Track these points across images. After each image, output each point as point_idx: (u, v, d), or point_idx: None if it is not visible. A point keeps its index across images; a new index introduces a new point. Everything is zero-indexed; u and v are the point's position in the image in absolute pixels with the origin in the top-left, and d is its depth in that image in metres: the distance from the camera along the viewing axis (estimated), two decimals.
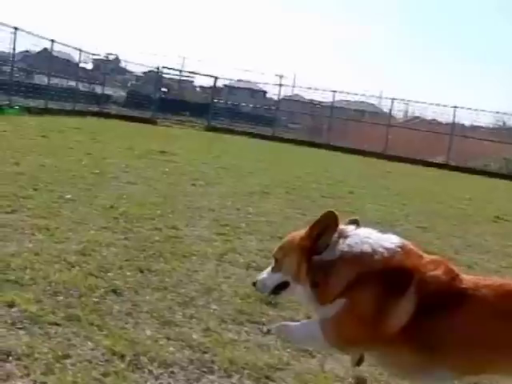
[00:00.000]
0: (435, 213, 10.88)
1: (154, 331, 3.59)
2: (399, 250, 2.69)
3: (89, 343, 3.30)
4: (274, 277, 2.87)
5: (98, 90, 33.47)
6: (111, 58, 41.74)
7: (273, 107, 37.40)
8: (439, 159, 28.75)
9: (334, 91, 32.63)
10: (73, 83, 31.07)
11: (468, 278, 2.68)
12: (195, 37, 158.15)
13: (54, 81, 28.26)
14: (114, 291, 4.09)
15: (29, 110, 21.82)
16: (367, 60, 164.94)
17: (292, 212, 8.60)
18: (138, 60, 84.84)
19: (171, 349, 3.40)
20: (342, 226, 2.81)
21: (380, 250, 2.67)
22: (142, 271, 4.66)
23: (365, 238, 2.73)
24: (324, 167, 18.02)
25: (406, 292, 2.57)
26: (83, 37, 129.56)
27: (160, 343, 3.44)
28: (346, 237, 2.75)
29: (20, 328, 3.35)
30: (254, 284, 2.98)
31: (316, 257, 2.74)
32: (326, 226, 2.76)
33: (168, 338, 3.52)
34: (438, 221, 9.85)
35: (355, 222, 2.90)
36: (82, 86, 31.12)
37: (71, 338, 3.33)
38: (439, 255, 6.75)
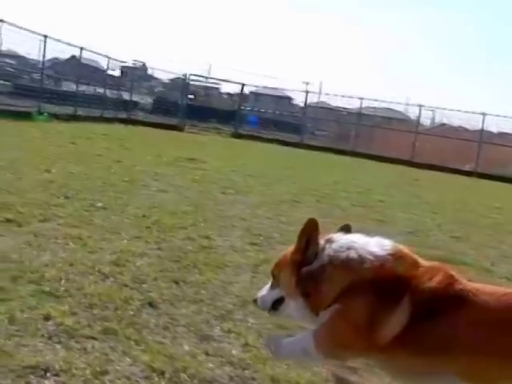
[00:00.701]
0: (467, 222, 10.68)
1: (193, 346, 3.50)
2: (390, 256, 2.62)
3: (127, 358, 3.22)
4: (272, 293, 2.87)
5: (126, 96, 33.58)
6: (138, 65, 41.99)
7: (298, 114, 37.34)
8: (467, 167, 28.42)
9: (362, 98, 32.46)
10: (100, 90, 31.24)
11: (471, 285, 2.58)
12: (221, 44, 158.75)
13: (82, 87, 28.41)
14: (150, 304, 4.02)
15: (57, 117, 21.96)
16: (394, 66, 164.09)
17: (323, 222, 8.37)
18: (164, 67, 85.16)
19: (210, 365, 3.31)
20: (331, 234, 2.80)
21: (368, 256, 2.60)
22: (176, 283, 4.58)
23: (351, 243, 2.68)
24: (352, 175, 17.86)
25: (400, 302, 2.49)
26: (111, 44, 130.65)
27: (199, 359, 3.35)
28: (332, 242, 2.72)
29: (57, 342, 3.28)
30: (255, 301, 2.97)
31: (305, 268, 2.71)
32: (309, 235, 2.74)
33: (207, 354, 3.44)
34: (471, 230, 9.66)
35: (346, 229, 2.89)
36: (109, 93, 31.25)
37: (108, 353, 3.25)
38: (475, 266, 6.56)
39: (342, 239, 2.74)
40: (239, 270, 5.23)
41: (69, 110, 25.02)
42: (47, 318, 3.54)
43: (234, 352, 3.51)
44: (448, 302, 2.51)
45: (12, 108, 21.43)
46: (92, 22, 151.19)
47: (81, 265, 4.62)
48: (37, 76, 27.85)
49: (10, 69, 29.27)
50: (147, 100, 41.43)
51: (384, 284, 2.55)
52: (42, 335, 3.33)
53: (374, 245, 2.67)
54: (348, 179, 15.91)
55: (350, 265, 2.62)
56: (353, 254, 2.63)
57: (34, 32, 22.90)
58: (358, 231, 2.82)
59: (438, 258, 3.08)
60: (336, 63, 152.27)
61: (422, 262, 2.68)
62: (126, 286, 4.30)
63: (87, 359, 3.14)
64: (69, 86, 30.96)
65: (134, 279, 4.46)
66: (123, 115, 29.96)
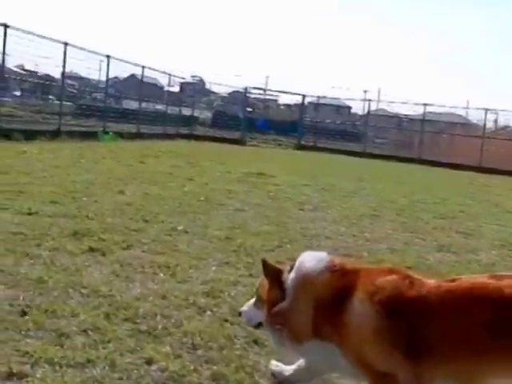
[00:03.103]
0: None
1: None
2: (326, 271, 2.68)
3: None
4: (256, 313, 2.92)
5: (185, 112, 33.68)
6: (196, 80, 42.20)
7: (357, 123, 36.81)
8: None
9: (425, 104, 31.68)
10: (160, 106, 31.41)
11: (430, 283, 2.59)
12: (277, 55, 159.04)
13: (143, 105, 28.59)
14: (255, 341, 3.66)
15: (122, 135, 22.06)
16: (450, 69, 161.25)
17: (409, 237, 8.05)
18: (221, 81, 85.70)
19: None
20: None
21: (312, 273, 2.68)
22: None
23: (298, 266, 2.75)
24: (423, 184, 17.30)
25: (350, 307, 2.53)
26: (166, 60, 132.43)
27: None
28: (290, 271, 2.77)
29: None
30: (240, 314, 3.08)
31: (278, 306, 2.74)
32: (272, 278, 2.81)
33: None
34: None
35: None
36: (170, 109, 31.38)
37: None
38: None
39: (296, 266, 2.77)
40: None
41: (133, 128, 25.15)
42: (150, 362, 3.25)
43: None
44: (406, 303, 2.51)
45: (76, 128, 21.65)
46: (147, 39, 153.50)
47: (174, 297, 4.33)
48: (99, 95, 28.20)
49: (72, 90, 29.74)
50: (206, 114, 41.60)
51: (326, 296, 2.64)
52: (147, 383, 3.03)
53: (309, 261, 2.75)
54: (421, 189, 15.37)
55: (308, 289, 2.68)
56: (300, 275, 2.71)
57: (96, 53, 23.16)
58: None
59: None
60: (392, 68, 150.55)
61: (366, 267, 2.82)
62: (226, 320, 3.97)
63: None
64: (129, 104, 31.27)
65: (233, 312, 4.11)
66: (185, 131, 30.01)
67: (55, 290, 4.24)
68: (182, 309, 4.12)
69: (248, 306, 2.98)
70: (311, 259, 2.77)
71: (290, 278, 2.75)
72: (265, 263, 2.84)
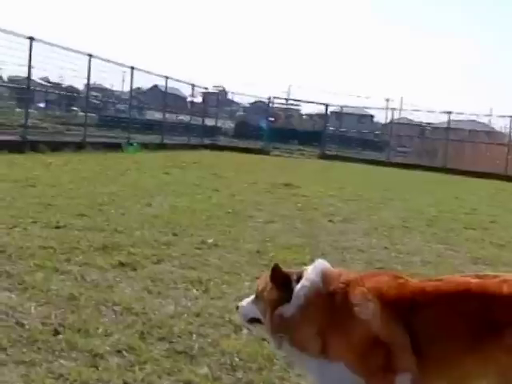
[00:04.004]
0: None
1: None
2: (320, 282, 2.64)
3: None
4: (253, 308, 2.85)
5: (208, 122, 33.66)
6: (219, 90, 42.21)
7: (378, 132, 36.52)
8: None
9: (450, 112, 31.30)
10: (183, 117, 31.42)
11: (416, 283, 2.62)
12: (299, 65, 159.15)
13: (166, 115, 28.62)
14: None
15: (146, 146, 22.05)
16: (473, 78, 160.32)
17: (442, 248, 7.87)
18: (243, 91, 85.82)
19: None
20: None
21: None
22: None
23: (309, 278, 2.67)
24: (449, 193, 17.03)
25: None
26: (188, 71, 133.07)
27: None
28: (298, 280, 2.68)
29: None
30: (238, 308, 3.01)
31: (280, 309, 2.66)
32: (278, 279, 2.70)
33: None
34: None
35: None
36: (193, 120, 31.39)
37: None
38: None
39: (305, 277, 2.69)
40: None
41: (156, 138, 25.16)
42: None
43: None
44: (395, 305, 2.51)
45: (101, 139, 21.67)
46: (168, 50, 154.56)
47: (208, 315, 4.21)
48: (122, 107, 28.28)
49: (96, 101, 29.90)
50: (229, 125, 41.59)
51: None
52: None
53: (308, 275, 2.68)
54: (448, 198, 15.13)
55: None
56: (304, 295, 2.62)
57: (121, 64, 23.21)
58: None
59: None
60: (414, 77, 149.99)
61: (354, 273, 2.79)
62: (264, 339, 3.82)
63: None
64: (152, 115, 31.35)
65: None
66: (208, 141, 29.98)
67: (87, 307, 4.14)
68: (217, 327, 4.00)
69: (247, 301, 2.91)
70: (319, 271, 2.71)
71: (300, 286, 2.67)
72: (276, 268, 2.74)
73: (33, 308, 4.02)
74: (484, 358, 2.39)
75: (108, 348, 3.48)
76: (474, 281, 2.51)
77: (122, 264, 5.30)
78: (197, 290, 4.80)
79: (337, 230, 8.43)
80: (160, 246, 6.21)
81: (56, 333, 3.62)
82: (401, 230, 9.03)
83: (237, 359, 3.49)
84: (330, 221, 9.14)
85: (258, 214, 9.04)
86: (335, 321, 2.55)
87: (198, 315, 4.18)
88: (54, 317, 3.88)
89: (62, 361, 3.28)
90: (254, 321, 2.87)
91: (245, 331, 3.94)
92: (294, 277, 2.72)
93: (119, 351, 3.46)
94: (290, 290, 2.66)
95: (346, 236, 7.96)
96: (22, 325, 3.70)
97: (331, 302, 2.58)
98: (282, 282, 2.69)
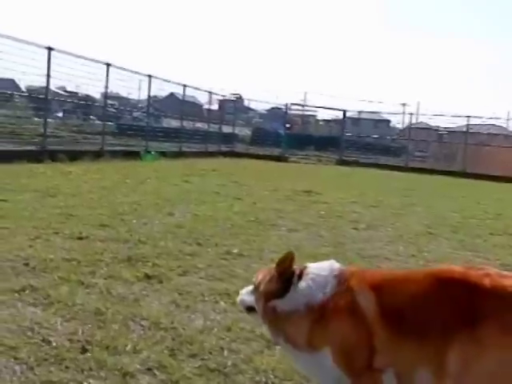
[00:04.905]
0: None
1: None
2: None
3: None
4: (250, 298, 2.86)
5: (225, 129, 33.58)
6: (235, 97, 42.12)
7: (395, 137, 36.19)
8: None
9: (468, 116, 31.02)
10: (200, 124, 31.35)
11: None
12: (314, 70, 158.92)
13: (183, 123, 28.57)
14: None
15: (164, 154, 21.99)
16: (488, 83, 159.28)
17: (470, 256, 7.69)
18: (259, 97, 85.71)
19: None
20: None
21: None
22: None
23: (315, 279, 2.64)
24: (471, 198, 16.83)
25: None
26: (202, 78, 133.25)
27: None
28: (300, 278, 2.66)
29: None
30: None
31: (272, 303, 2.66)
32: (283, 269, 2.69)
33: None
34: None
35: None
36: (210, 127, 31.33)
37: None
38: None
39: (309, 274, 2.67)
40: None
41: (174, 146, 25.09)
42: None
43: None
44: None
45: (119, 148, 21.64)
46: (184, 58, 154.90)
47: (239, 329, 4.07)
48: (137, 115, 28.21)
49: (113, 109, 29.91)
50: (246, 132, 41.47)
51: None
52: None
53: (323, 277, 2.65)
54: (471, 204, 14.93)
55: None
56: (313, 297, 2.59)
57: (138, 73, 23.20)
58: None
59: None
60: (430, 81, 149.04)
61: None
62: None
63: None
64: (169, 123, 31.30)
65: None
66: (225, 148, 29.89)
67: (114, 322, 4.02)
68: (249, 342, 3.86)
69: (246, 290, 2.93)
70: (325, 271, 2.69)
71: (302, 284, 2.65)
72: (286, 258, 2.72)
73: (59, 324, 3.90)
74: (450, 344, 2.35)
75: (138, 366, 3.35)
76: (457, 269, 2.52)
77: (147, 276, 5.18)
78: (225, 302, 4.67)
79: (362, 237, 8.27)
80: (185, 256, 6.09)
81: (84, 350, 3.50)
82: (426, 237, 8.86)
83: (272, 376, 3.36)
84: (355, 228, 8.99)
85: (281, 222, 8.90)
86: (327, 321, 2.55)
87: (228, 330, 4.05)
88: (81, 333, 3.76)
89: (91, 380, 3.16)
90: (251, 310, 2.87)
91: (278, 347, 3.81)
92: (297, 272, 2.70)
93: (150, 369, 3.34)
94: (289, 286, 2.65)
95: (372, 244, 7.81)
96: (49, 342, 3.59)
97: (328, 305, 2.56)
98: (285, 275, 2.69)
